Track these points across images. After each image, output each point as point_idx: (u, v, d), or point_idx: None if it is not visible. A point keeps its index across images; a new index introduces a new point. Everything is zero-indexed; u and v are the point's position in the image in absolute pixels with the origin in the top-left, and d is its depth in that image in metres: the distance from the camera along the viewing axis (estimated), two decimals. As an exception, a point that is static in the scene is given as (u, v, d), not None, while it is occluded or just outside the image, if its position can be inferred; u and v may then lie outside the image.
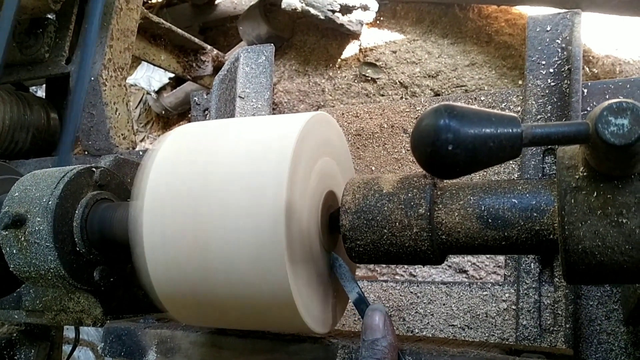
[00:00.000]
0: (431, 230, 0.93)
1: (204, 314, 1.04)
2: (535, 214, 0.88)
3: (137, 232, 0.99)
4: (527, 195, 0.90)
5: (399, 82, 2.98)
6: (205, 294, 0.98)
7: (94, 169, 1.26)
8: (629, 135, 0.69)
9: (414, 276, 2.78)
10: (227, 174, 0.95)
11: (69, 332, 2.67)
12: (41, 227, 1.15)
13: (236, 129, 1.03)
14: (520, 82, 2.75)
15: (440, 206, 0.94)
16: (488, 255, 2.73)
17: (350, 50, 3.16)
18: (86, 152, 1.98)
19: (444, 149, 0.71)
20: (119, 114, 1.95)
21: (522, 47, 2.78)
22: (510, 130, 0.71)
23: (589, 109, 1.34)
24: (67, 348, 2.17)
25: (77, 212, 1.20)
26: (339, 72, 3.16)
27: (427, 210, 0.93)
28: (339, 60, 3.18)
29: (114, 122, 1.93)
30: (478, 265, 2.76)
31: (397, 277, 2.79)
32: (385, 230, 0.95)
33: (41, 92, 3.16)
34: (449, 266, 2.76)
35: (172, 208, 0.97)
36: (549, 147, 1.32)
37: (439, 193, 0.95)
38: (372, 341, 0.91)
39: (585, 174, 0.82)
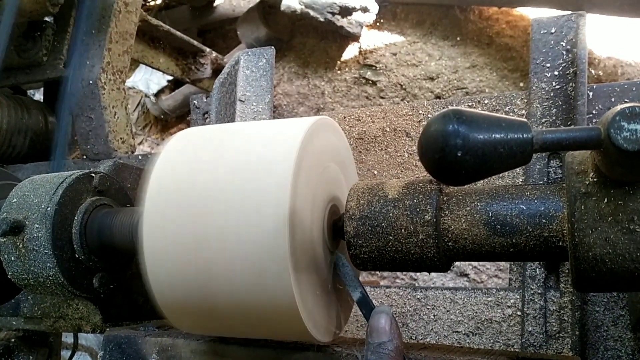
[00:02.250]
0: (437, 237, 0.91)
1: (206, 323, 1.03)
2: (544, 221, 0.86)
3: (139, 239, 0.98)
4: (536, 201, 0.88)
5: (399, 84, 2.97)
6: (207, 302, 0.96)
7: (93, 175, 1.24)
8: (643, 141, 0.67)
9: (415, 280, 2.76)
10: (229, 182, 0.93)
11: (67, 337, 2.65)
12: (40, 234, 1.14)
13: (238, 134, 1.01)
14: (521, 84, 2.73)
15: (447, 212, 0.92)
16: (490, 259, 2.71)
17: (350, 52, 3.15)
18: (85, 157, 1.96)
19: (452, 155, 0.69)
20: (118, 117, 1.93)
21: (523, 49, 2.77)
22: (521, 136, 0.70)
23: (594, 112, 1.32)
24: (65, 353, 2.15)
25: (76, 218, 1.18)
26: (338, 74, 3.15)
27: (433, 216, 0.91)
28: (339, 62, 3.17)
29: (112, 126, 1.91)
30: (479, 269, 2.75)
31: (397, 280, 2.78)
32: (391, 237, 0.93)
33: (39, 96, 3.14)
34: (450, 269, 2.74)
35: (173, 216, 0.95)
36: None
37: (445, 199, 0.93)
38: (379, 344, 0.89)
39: (595, 179, 0.80)
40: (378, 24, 3.10)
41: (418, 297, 1.44)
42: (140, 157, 1.81)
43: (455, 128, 0.69)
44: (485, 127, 0.69)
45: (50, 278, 1.16)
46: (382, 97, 3.02)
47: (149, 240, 0.97)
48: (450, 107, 0.73)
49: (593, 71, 2.64)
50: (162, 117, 3.81)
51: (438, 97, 2.88)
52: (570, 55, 1.35)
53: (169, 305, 1.01)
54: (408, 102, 2.92)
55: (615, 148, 0.68)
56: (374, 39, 3.09)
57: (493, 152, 0.69)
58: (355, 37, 3.09)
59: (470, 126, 0.69)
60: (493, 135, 0.69)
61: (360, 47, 3.12)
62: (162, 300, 1.00)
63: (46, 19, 2.04)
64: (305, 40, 3.30)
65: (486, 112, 0.72)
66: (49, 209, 1.14)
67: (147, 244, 0.97)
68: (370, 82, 3.05)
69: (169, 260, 0.96)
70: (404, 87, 2.96)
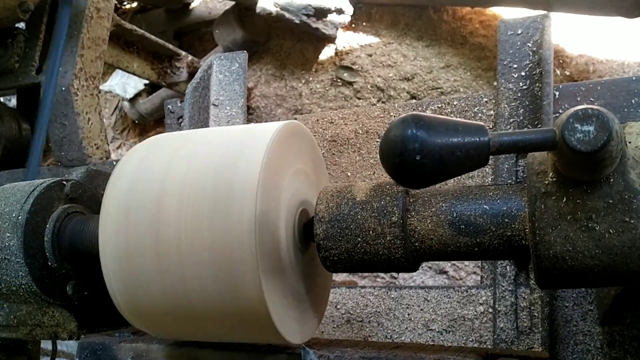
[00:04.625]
0: (404, 237, 0.92)
1: (178, 328, 1.03)
2: (506, 220, 0.89)
3: (100, 248, 0.98)
4: (499, 201, 0.90)
5: (375, 85, 2.99)
6: (178, 308, 0.97)
7: (64, 182, 1.24)
8: (595, 142, 0.69)
9: (395, 278, 2.78)
10: (196, 188, 0.94)
11: (47, 344, 2.63)
12: (11, 243, 1.13)
13: (205, 141, 1.02)
14: (495, 83, 2.76)
15: (413, 213, 0.94)
16: (465, 258, 2.73)
17: (326, 54, 3.16)
18: (59, 163, 1.95)
19: (411, 159, 0.70)
20: (92, 123, 1.92)
21: (496, 48, 2.78)
22: (477, 139, 0.72)
23: (560, 111, 1.35)
24: (45, 360, 2.14)
25: (47, 226, 1.18)
26: (315, 76, 3.16)
27: (399, 217, 0.93)
28: (316, 64, 3.18)
29: (86, 132, 1.90)
30: (458, 266, 2.77)
31: (378, 279, 2.79)
32: (359, 239, 0.95)
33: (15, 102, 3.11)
34: (429, 267, 2.77)
35: (136, 224, 0.96)
36: (522, 150, 1.33)
37: (411, 200, 0.95)
38: None
39: (554, 179, 0.82)
40: (353, 25, 3.12)
41: (393, 296, 1.46)
42: (114, 163, 1.81)
43: (414, 133, 0.71)
44: (442, 131, 0.71)
45: (23, 287, 1.15)
46: (358, 98, 3.04)
47: (109, 249, 0.97)
48: (410, 112, 0.74)
49: (565, 69, 2.68)
50: (140, 120, 3.79)
51: (414, 97, 2.90)
52: (536, 56, 1.37)
53: (138, 314, 1.01)
54: (384, 102, 2.93)
55: (569, 149, 0.70)
56: (349, 41, 3.10)
57: (451, 155, 0.71)
58: (330, 39, 3.10)
59: (428, 131, 0.71)
60: (450, 139, 0.71)
61: (336, 49, 3.13)
62: (126, 310, 1.01)
63: (17, 25, 2.02)
64: (281, 42, 3.31)
65: (445, 117, 0.74)
66: (19, 217, 1.14)
67: (109, 253, 0.97)
68: (347, 83, 3.07)
69: (135, 269, 0.96)
70: (380, 88, 2.98)
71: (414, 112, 0.73)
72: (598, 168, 0.74)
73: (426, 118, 0.72)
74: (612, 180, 0.78)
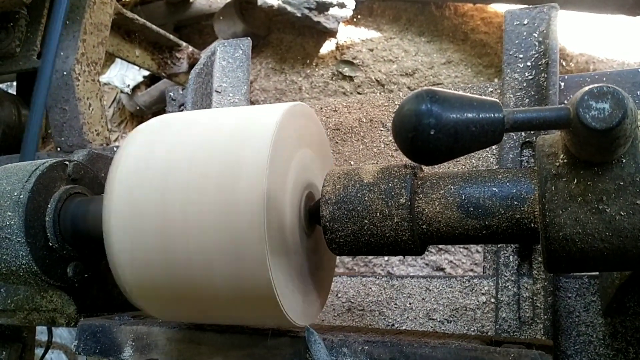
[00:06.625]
0: (412, 220, 0.92)
1: (183, 309, 1.02)
2: (515, 202, 0.88)
3: (106, 228, 0.97)
4: (508, 183, 0.89)
5: (376, 80, 2.98)
6: (184, 288, 0.96)
7: (66, 163, 1.23)
8: (610, 119, 0.69)
9: (391, 274, 2.78)
10: (203, 166, 0.93)
11: (41, 335, 2.62)
12: (12, 222, 1.12)
13: (212, 119, 1.01)
14: (496, 79, 2.76)
15: (421, 196, 0.93)
16: (465, 253, 2.74)
17: (327, 48, 3.15)
18: (59, 149, 1.94)
19: (425, 133, 0.70)
20: (93, 109, 1.91)
21: (497, 45, 2.80)
22: (492, 115, 0.71)
23: (566, 101, 1.35)
24: (39, 351, 2.12)
25: (49, 206, 1.17)
26: (316, 70, 3.15)
27: (407, 200, 0.92)
28: (316, 58, 3.17)
29: (87, 118, 1.89)
30: (455, 263, 2.77)
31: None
32: (366, 221, 0.94)
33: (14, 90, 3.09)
34: (426, 264, 2.76)
35: (143, 202, 0.94)
36: (527, 140, 1.33)
37: (419, 183, 0.94)
38: None
39: (565, 161, 0.81)
40: (355, 19, 3.11)
41: (394, 285, 1.45)
42: (115, 149, 1.80)
43: (429, 107, 0.70)
44: (457, 106, 0.70)
45: (23, 267, 1.14)
46: (359, 93, 3.04)
47: (116, 229, 0.96)
48: (423, 88, 0.74)
49: (566, 67, 2.68)
50: (138, 112, 3.78)
51: (414, 92, 2.90)
52: (542, 46, 1.37)
53: (140, 295, 1.00)
54: (384, 96, 2.93)
55: (583, 127, 0.70)
56: (350, 35, 3.10)
57: (465, 130, 0.70)
58: (332, 33, 3.10)
59: (443, 105, 0.70)
60: (465, 115, 0.70)
61: (337, 43, 3.12)
62: (132, 290, 0.99)
63: (19, 9, 2.01)
64: (282, 36, 3.30)
65: (459, 92, 0.73)
66: (21, 196, 1.13)
67: (114, 234, 0.96)
68: (348, 77, 3.06)
69: (141, 248, 0.95)
70: (380, 82, 2.97)
71: (428, 87, 0.72)
72: (612, 147, 0.73)
73: (441, 93, 0.71)
74: (623, 162, 0.78)
